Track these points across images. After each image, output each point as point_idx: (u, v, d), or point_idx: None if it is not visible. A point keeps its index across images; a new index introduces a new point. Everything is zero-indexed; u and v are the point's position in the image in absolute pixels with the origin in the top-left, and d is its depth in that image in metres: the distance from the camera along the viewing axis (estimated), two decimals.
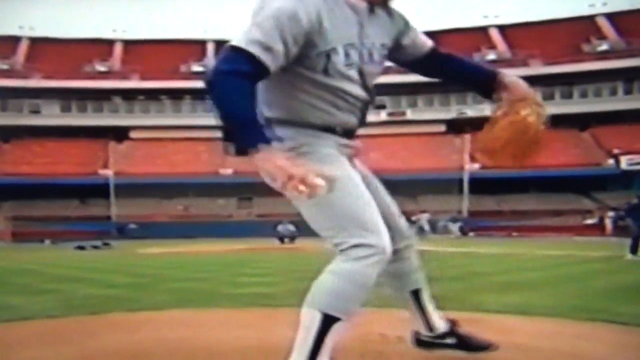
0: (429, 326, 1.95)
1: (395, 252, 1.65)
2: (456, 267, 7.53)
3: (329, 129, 1.62)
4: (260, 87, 1.53)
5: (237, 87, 1.39)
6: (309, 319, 1.48)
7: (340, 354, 1.66)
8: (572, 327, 3.06)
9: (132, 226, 29.82)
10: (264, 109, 1.60)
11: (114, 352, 2.26)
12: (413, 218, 25.25)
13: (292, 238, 17.50)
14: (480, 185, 31.59)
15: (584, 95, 37.52)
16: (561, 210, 29.99)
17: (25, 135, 37.49)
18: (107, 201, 33.49)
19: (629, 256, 9.08)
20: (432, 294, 1.99)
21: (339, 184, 1.41)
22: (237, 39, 1.44)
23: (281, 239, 17.74)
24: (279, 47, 1.42)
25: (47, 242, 22.61)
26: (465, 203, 29.28)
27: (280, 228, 17.95)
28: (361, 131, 1.75)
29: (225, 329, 2.85)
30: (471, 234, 26.82)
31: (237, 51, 1.41)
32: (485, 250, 12.82)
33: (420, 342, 2.00)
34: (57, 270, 8.17)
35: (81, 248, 15.54)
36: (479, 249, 13.94)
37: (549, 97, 34.51)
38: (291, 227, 18.17)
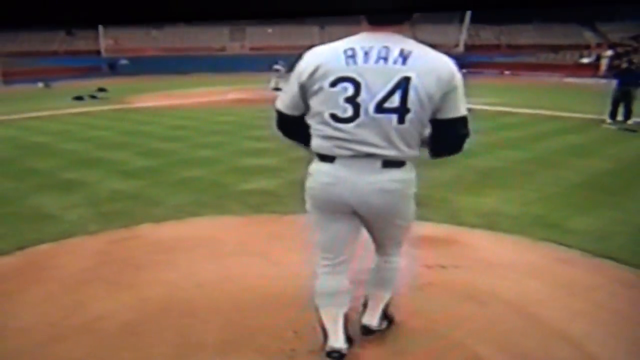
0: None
1: None
2: None
3: None
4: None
5: None
6: (387, 297, 2.49)
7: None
8: (526, 252, 3.74)
9: (123, 62, 29.22)
10: None
11: (166, 305, 2.92)
12: None
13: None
14: (483, 14, 30.16)
15: None
16: (559, 45, 29.32)
17: None
18: (95, 32, 32.10)
19: (608, 121, 9.56)
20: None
21: None
22: (462, 111, 1.93)
23: (278, 90, 17.75)
24: None
25: (40, 84, 22.37)
26: (464, 35, 28.31)
27: (272, 83, 17.76)
28: None
29: (245, 264, 3.50)
30: (463, 70, 26.49)
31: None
32: (469, 105, 13.19)
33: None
34: (68, 145, 8.58)
35: (79, 99, 15.66)
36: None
37: None
38: (284, 72, 18.03)
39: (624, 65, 9.91)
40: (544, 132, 9.22)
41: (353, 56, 1.76)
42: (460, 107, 1.90)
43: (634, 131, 8.76)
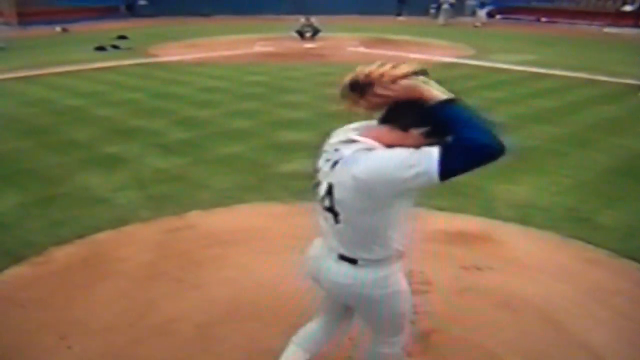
0: None
1: None
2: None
3: None
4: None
5: None
6: None
7: None
8: (556, 252, 3.95)
9: (142, 2, 28.63)
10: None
11: (232, 307, 3.20)
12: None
13: (315, 32, 17.18)
14: None
15: None
16: None
17: None
18: None
19: None
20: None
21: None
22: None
23: (301, 34, 17.39)
24: None
25: (58, 28, 22.07)
26: None
27: (300, 27, 17.26)
28: None
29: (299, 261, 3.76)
30: (498, 16, 25.42)
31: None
32: (505, 65, 12.82)
33: None
34: (102, 110, 8.76)
35: (101, 49, 15.63)
36: (499, 59, 13.84)
37: None
38: (311, 20, 17.61)
39: None
40: (580, 101, 9.07)
41: (325, 151, 1.86)
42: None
43: None
